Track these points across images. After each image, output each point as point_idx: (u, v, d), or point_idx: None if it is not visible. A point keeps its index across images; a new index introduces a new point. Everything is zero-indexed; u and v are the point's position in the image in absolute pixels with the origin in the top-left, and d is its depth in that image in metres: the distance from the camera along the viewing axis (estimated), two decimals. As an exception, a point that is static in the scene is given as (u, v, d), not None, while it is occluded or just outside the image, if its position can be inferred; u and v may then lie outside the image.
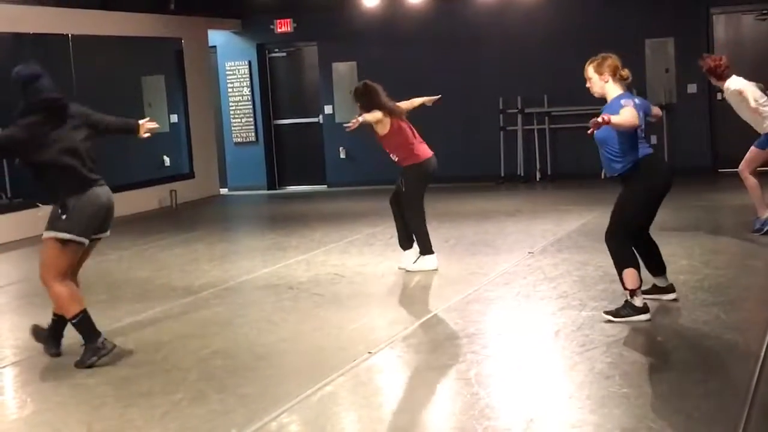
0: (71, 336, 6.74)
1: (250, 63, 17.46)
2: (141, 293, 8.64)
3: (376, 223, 11.55)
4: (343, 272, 8.99)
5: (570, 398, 5.11)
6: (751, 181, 9.52)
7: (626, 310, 6.48)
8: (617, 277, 6.62)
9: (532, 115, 15.93)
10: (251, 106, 17.47)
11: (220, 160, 17.47)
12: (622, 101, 6.43)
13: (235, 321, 7.44)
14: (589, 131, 6.18)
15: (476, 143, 16.14)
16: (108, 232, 6.63)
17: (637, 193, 6.55)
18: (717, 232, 9.88)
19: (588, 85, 6.75)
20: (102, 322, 7.27)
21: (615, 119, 6.21)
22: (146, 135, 7.01)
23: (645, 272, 6.82)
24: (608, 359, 5.70)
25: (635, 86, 15.25)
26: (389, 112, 8.71)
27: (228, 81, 17.58)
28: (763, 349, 5.69)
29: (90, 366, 6.18)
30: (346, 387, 5.58)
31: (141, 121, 7.00)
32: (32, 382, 6.15)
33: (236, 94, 17.53)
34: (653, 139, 15.42)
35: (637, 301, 6.48)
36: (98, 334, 6.30)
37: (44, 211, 12.93)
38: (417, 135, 8.98)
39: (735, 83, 9.47)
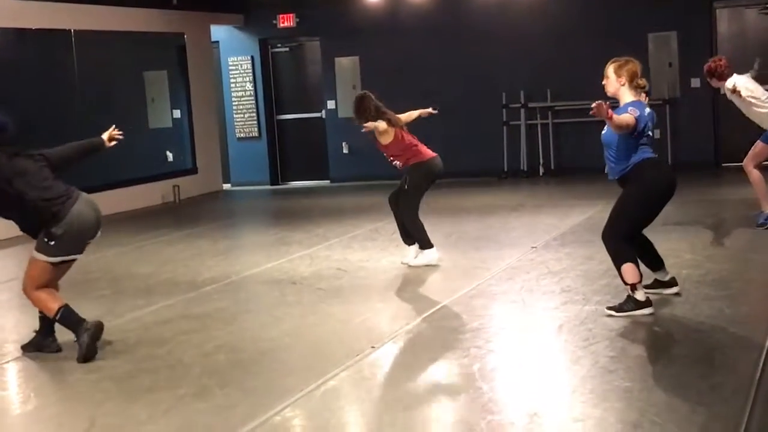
0: (71, 333, 6.76)
1: (252, 58, 17.46)
2: (144, 288, 8.65)
3: (378, 218, 11.55)
4: (346, 267, 8.99)
5: (573, 392, 5.11)
6: (755, 175, 9.52)
7: (629, 304, 6.49)
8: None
9: (536, 110, 15.92)
10: (254, 102, 17.47)
11: (223, 156, 17.48)
12: (630, 108, 6.45)
13: (238, 316, 7.44)
14: (591, 110, 6.14)
15: (479, 138, 16.13)
16: (99, 234, 6.60)
17: (635, 196, 6.56)
18: (720, 226, 9.87)
19: (604, 82, 6.72)
20: (105, 317, 7.29)
21: (615, 117, 6.26)
22: (112, 143, 6.98)
23: (645, 268, 6.83)
24: (611, 353, 5.70)
25: (638, 80, 15.30)
26: (390, 122, 8.67)
27: (231, 76, 17.58)
28: (767, 343, 5.69)
29: (90, 356, 6.19)
30: (349, 381, 5.59)
31: (104, 135, 7.00)
32: (35, 378, 6.16)
33: (239, 89, 17.53)
34: (657, 133, 15.45)
35: (639, 295, 6.48)
36: (82, 321, 6.33)
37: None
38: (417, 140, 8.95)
39: (729, 81, 9.44)
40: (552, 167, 15.86)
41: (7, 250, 11.51)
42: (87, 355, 6.22)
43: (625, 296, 6.56)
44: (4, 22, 12.76)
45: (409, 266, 8.79)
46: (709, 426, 4.52)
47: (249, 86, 17.46)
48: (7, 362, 6.50)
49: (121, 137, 7.04)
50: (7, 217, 6.57)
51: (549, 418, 4.79)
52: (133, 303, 8.01)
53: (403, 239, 8.93)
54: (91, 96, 14.26)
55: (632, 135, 6.44)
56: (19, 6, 12.93)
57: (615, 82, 6.64)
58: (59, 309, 6.35)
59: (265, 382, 5.63)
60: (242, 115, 17.58)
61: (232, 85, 17.58)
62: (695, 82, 15.21)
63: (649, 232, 6.92)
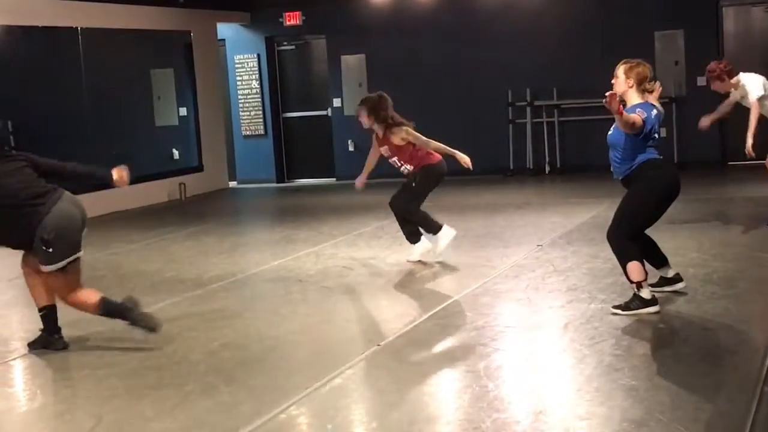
0: (77, 330, 6.79)
1: (258, 56, 17.47)
2: (150, 286, 8.66)
3: (384, 216, 11.52)
4: (352, 265, 9.00)
5: (578, 391, 5.11)
6: None
7: (635, 303, 6.49)
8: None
9: (542, 108, 15.91)
10: (260, 99, 17.48)
11: (229, 153, 17.50)
12: (638, 110, 6.47)
13: (244, 313, 7.45)
14: (605, 99, 6.18)
15: (485, 136, 16.11)
16: (85, 230, 6.59)
17: (639, 196, 6.57)
18: (727, 224, 9.86)
19: (613, 81, 6.75)
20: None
21: (624, 114, 6.29)
22: (119, 185, 6.86)
23: (650, 267, 6.83)
24: (617, 352, 5.70)
25: (645, 79, 15.28)
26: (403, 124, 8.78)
27: (237, 74, 17.59)
28: (773, 342, 5.69)
29: (155, 323, 6.43)
30: (354, 379, 5.59)
31: (114, 173, 6.83)
32: (42, 374, 6.17)
33: (245, 87, 17.54)
34: (663, 132, 15.41)
35: (645, 293, 6.48)
36: (121, 304, 6.46)
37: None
38: None
39: (741, 82, 9.47)
40: (558, 165, 15.85)
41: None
42: (153, 324, 6.41)
43: (630, 295, 6.56)
44: (11, 20, 12.78)
45: (422, 262, 8.82)
46: (714, 424, 4.52)
47: (255, 84, 17.47)
48: (14, 359, 6.52)
49: (126, 183, 6.89)
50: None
51: (554, 416, 4.79)
52: (139, 300, 8.00)
53: (408, 238, 8.92)
54: (97, 93, 14.28)
55: (638, 136, 6.44)
56: (26, 3, 12.95)
57: (624, 83, 6.66)
58: (99, 301, 6.39)
59: (270, 380, 5.63)
60: (248, 113, 17.59)
61: (239, 83, 17.59)
62: (701, 81, 15.13)
63: (655, 231, 6.92)
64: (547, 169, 15.87)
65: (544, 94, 15.82)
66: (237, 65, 17.60)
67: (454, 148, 8.90)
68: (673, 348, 5.80)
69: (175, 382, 5.68)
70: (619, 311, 6.50)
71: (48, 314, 6.53)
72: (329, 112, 17.29)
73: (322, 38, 17.25)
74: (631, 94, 6.65)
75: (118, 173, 6.81)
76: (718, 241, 8.94)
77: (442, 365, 5.90)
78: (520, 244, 9.44)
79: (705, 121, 10.15)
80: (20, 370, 6.39)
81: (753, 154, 9.41)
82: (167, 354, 6.32)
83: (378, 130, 8.92)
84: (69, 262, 6.35)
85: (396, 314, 7.09)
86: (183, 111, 16.39)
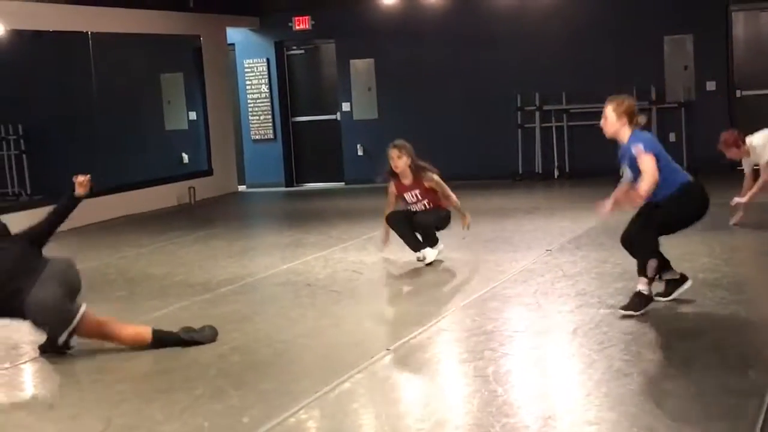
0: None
1: (268, 60, 17.50)
2: (160, 289, 8.68)
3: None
4: (361, 269, 9.01)
5: (588, 396, 5.10)
6: None
7: (642, 302, 6.57)
8: (636, 275, 6.68)
9: (550, 113, 15.91)
10: (269, 104, 17.51)
11: (239, 157, 17.53)
12: (634, 149, 6.55)
13: (253, 317, 7.46)
14: (607, 209, 6.65)
15: (494, 140, 16.13)
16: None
17: (670, 215, 6.71)
18: (737, 229, 9.84)
19: (602, 123, 6.81)
20: (122, 318, 7.32)
21: (643, 190, 6.47)
22: (82, 191, 6.80)
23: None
24: (626, 357, 5.70)
25: (654, 84, 15.28)
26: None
27: (246, 78, 17.63)
28: (782, 348, 5.68)
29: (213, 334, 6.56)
30: (363, 384, 5.60)
31: (75, 187, 6.80)
32: (52, 379, 6.19)
33: (254, 91, 17.58)
34: (672, 137, 15.41)
35: (647, 290, 6.61)
36: (174, 333, 6.55)
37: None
38: None
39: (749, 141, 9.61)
40: (567, 170, 15.84)
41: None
42: (212, 335, 6.55)
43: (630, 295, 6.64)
44: (22, 24, 12.83)
45: (426, 264, 8.91)
46: (723, 430, 4.51)
47: (264, 88, 17.51)
48: (24, 363, 6.53)
49: (89, 182, 6.81)
50: None
51: (563, 421, 4.79)
52: (149, 304, 8.04)
53: (418, 247, 8.99)
54: (107, 98, 14.32)
55: (660, 170, 6.54)
56: (36, 8, 12.99)
57: (616, 122, 6.71)
58: (152, 334, 6.46)
59: (279, 384, 5.64)
60: (257, 117, 17.62)
61: (248, 87, 17.63)
62: (711, 85, 15.19)
63: (667, 236, 6.92)
64: (556, 173, 15.87)
65: (553, 98, 15.82)
66: (246, 69, 17.63)
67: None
68: (683, 353, 5.79)
69: (185, 385, 5.69)
70: (631, 312, 6.52)
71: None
72: (338, 116, 17.32)
73: (332, 43, 17.28)
74: (624, 131, 6.73)
75: (77, 180, 6.79)
76: (729, 246, 8.93)
77: (450, 370, 5.91)
78: (529, 249, 9.44)
79: (740, 200, 10.02)
80: (30, 373, 6.40)
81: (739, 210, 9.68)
82: (177, 358, 6.33)
83: (408, 174, 9.11)
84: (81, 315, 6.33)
85: (405, 318, 7.09)
86: (192, 115, 16.43)
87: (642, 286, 6.62)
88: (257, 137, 17.66)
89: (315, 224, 12.26)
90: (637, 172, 6.61)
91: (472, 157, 16.09)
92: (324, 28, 17.16)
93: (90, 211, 13.49)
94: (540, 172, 15.96)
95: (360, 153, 17.03)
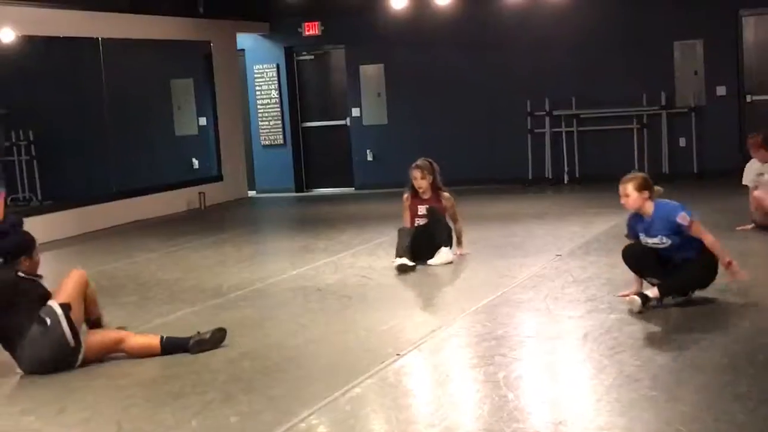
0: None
1: (278, 66, 17.53)
2: (170, 295, 8.69)
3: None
4: (371, 274, 9.01)
5: (598, 401, 5.10)
6: None
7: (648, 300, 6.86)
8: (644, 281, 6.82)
9: (560, 118, 15.90)
10: (279, 109, 17.54)
11: (248, 163, 17.55)
12: (679, 219, 6.91)
13: (263, 323, 7.47)
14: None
15: (504, 146, 16.13)
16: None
17: (699, 269, 7.01)
18: (747, 234, 9.82)
19: (623, 201, 7.12)
20: (132, 323, 7.36)
21: (718, 250, 7.01)
22: None
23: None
24: (637, 362, 5.69)
25: (664, 89, 15.27)
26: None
27: (256, 84, 17.66)
28: (794, 353, 5.67)
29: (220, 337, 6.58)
30: (374, 389, 5.60)
31: None
32: (62, 382, 6.19)
33: (264, 96, 17.60)
34: (682, 142, 15.40)
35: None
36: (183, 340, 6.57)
37: (68, 214, 12.90)
38: None
39: None
40: (577, 175, 15.83)
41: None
42: (221, 337, 6.59)
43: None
44: (33, 30, 12.87)
45: (432, 265, 9.08)
46: (735, 436, 4.51)
47: (274, 94, 17.53)
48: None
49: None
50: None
51: (574, 426, 4.78)
52: (159, 309, 8.06)
53: (402, 255, 9.08)
54: (118, 103, 14.36)
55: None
56: (47, 14, 13.04)
57: (638, 198, 7.04)
58: (161, 346, 6.49)
59: (290, 389, 5.65)
60: (267, 123, 17.64)
61: (258, 93, 17.66)
62: (721, 90, 15.16)
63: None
64: (566, 178, 15.85)
65: (563, 103, 15.81)
66: (256, 75, 17.66)
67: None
68: (693, 358, 5.78)
69: (195, 390, 5.70)
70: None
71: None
72: (348, 121, 17.33)
73: (341, 48, 17.30)
74: (648, 204, 7.04)
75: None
76: (738, 251, 8.87)
77: (461, 375, 5.91)
78: (538, 254, 9.43)
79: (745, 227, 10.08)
80: (40, 378, 6.41)
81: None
82: (187, 363, 6.34)
83: (428, 192, 9.47)
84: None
85: (415, 324, 7.09)
86: (203, 121, 16.47)
87: (653, 294, 6.81)
88: (267, 143, 17.68)
89: (325, 229, 12.27)
90: (679, 238, 6.93)
91: (482, 162, 16.09)
92: (334, 33, 17.19)
93: (101, 216, 13.59)
94: (550, 177, 15.95)
95: (370, 158, 17.05)
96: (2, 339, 6.38)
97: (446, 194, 9.50)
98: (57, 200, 13.25)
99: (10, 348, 6.33)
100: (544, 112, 15.90)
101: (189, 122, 16.32)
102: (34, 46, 13.07)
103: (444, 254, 9.19)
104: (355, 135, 17.23)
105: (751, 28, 15.24)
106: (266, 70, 17.59)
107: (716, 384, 5.25)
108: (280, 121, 17.55)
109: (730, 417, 4.72)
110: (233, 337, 6.93)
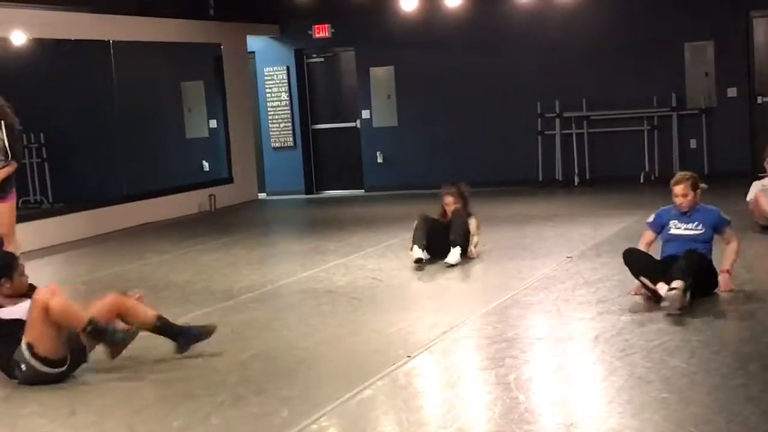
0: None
1: (288, 68, 17.54)
2: (181, 296, 8.71)
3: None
4: (381, 276, 9.02)
5: (610, 403, 5.09)
6: None
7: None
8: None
9: (571, 119, 15.87)
10: (289, 111, 17.55)
11: (259, 165, 17.57)
12: (722, 221, 7.45)
13: (273, 324, 7.48)
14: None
15: (514, 148, 16.11)
16: None
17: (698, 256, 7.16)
18: (759, 237, 9.80)
19: (681, 201, 7.43)
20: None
21: (728, 260, 7.44)
22: None
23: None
24: (648, 364, 5.68)
25: (675, 91, 15.24)
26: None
27: (266, 86, 17.67)
28: (806, 355, 5.65)
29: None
30: (384, 390, 5.60)
31: None
32: (74, 385, 6.20)
33: (274, 99, 17.62)
34: (692, 143, 15.37)
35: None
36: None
37: (79, 216, 12.93)
38: None
39: None
40: (587, 177, 15.80)
41: (47, 258, 11.64)
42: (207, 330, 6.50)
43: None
44: (44, 33, 12.91)
45: (449, 265, 9.18)
46: (747, 438, 4.50)
47: (284, 96, 17.55)
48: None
49: None
50: None
51: (585, 428, 4.77)
52: (170, 311, 8.01)
53: (420, 245, 9.30)
54: (129, 106, 14.39)
55: None
56: (58, 17, 13.07)
57: (695, 196, 7.43)
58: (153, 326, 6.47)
59: (300, 391, 5.65)
60: (278, 125, 17.66)
61: (268, 95, 17.67)
62: (732, 92, 15.12)
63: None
64: (576, 180, 15.83)
65: (573, 105, 15.79)
66: (266, 77, 17.67)
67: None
68: (705, 360, 5.77)
69: (206, 392, 5.71)
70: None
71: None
72: (358, 123, 17.33)
73: (351, 50, 17.31)
74: (698, 195, 7.47)
75: None
76: (750, 254, 8.87)
77: (472, 377, 5.90)
78: (549, 256, 9.42)
79: None
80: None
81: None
82: (198, 365, 6.35)
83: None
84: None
85: (425, 326, 7.09)
86: (213, 123, 16.50)
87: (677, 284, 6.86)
88: (277, 145, 17.70)
89: (335, 231, 12.27)
90: (712, 232, 7.37)
91: (493, 164, 16.08)
92: (344, 35, 17.19)
93: (112, 218, 13.62)
94: (560, 179, 15.93)
95: (380, 160, 17.05)
96: None
97: (474, 220, 9.69)
98: (68, 202, 13.27)
99: (9, 375, 6.27)
100: (555, 114, 15.88)
101: (199, 125, 16.35)
102: (44, 48, 13.11)
103: (457, 254, 9.25)
104: (365, 137, 17.23)
105: (761, 30, 15.20)
106: (276, 73, 17.60)
107: (728, 386, 5.24)
108: (290, 123, 17.56)
109: (742, 419, 4.71)
110: (244, 339, 6.95)
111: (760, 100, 15.15)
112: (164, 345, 6.77)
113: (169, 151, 15.80)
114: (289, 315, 7.90)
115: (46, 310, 6.02)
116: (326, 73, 17.79)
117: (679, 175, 7.53)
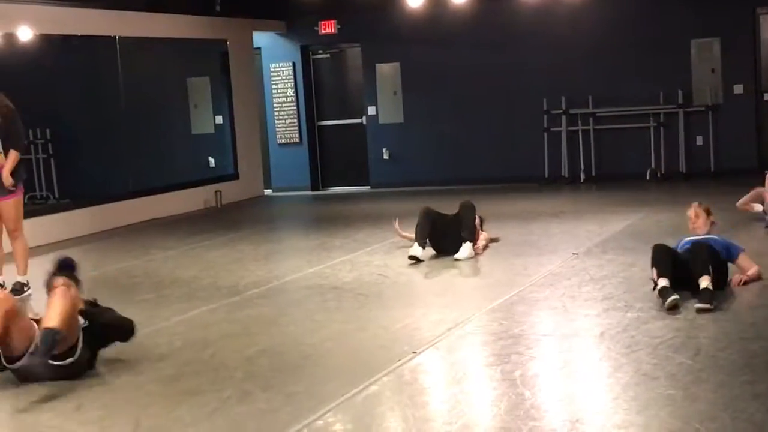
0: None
1: (294, 64, 17.54)
2: (187, 292, 8.72)
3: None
4: (387, 273, 9.02)
5: (615, 399, 5.10)
6: None
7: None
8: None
9: (577, 116, 15.86)
10: (295, 107, 17.55)
11: (265, 161, 17.58)
12: (734, 247, 7.57)
13: (280, 320, 7.49)
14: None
15: (520, 144, 16.11)
16: None
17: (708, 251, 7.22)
18: (765, 234, 9.79)
19: (695, 225, 7.64)
20: (149, 320, 7.40)
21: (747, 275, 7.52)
22: None
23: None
24: (654, 361, 5.68)
25: (681, 87, 15.22)
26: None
27: (272, 82, 17.68)
28: (812, 352, 5.65)
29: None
30: (390, 387, 5.61)
31: None
32: (80, 381, 6.22)
33: (280, 95, 17.63)
34: (699, 140, 15.35)
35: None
36: None
37: (85, 212, 12.99)
38: None
39: None
40: (593, 174, 15.79)
41: (53, 254, 11.64)
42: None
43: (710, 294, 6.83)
44: (51, 29, 12.93)
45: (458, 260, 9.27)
46: (753, 434, 4.50)
47: (290, 92, 17.55)
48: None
49: None
50: None
51: (591, 425, 4.78)
52: (176, 307, 8.08)
53: (421, 244, 9.38)
54: (135, 102, 14.41)
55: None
56: (65, 13, 13.09)
57: (707, 221, 7.66)
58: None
59: (306, 387, 5.66)
60: (283, 121, 17.66)
61: (274, 91, 17.68)
62: (738, 89, 15.10)
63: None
64: (582, 177, 15.82)
65: (579, 102, 15.78)
66: (272, 73, 17.68)
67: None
68: (711, 357, 5.77)
69: (212, 388, 5.72)
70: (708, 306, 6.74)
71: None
72: (364, 120, 17.33)
73: (357, 47, 17.31)
74: (713, 227, 7.70)
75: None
76: (757, 251, 8.85)
77: (477, 373, 5.91)
78: (555, 253, 9.42)
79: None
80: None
81: None
82: (204, 360, 6.37)
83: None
84: None
85: (431, 322, 7.10)
86: (219, 119, 16.51)
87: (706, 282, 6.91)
88: (283, 141, 17.70)
89: (341, 228, 12.28)
90: (720, 247, 7.37)
91: (499, 160, 16.08)
92: (350, 32, 17.19)
93: (118, 214, 13.64)
94: (566, 175, 15.92)
95: (386, 157, 17.05)
96: None
97: (484, 233, 9.83)
98: (74, 198, 13.29)
99: None
100: (561, 111, 15.87)
101: (205, 120, 16.37)
102: (51, 44, 13.12)
103: (467, 249, 9.32)
104: (371, 133, 17.23)
105: (768, 26, 15.18)
106: (282, 69, 17.61)
107: (734, 383, 5.24)
108: (296, 120, 17.57)
109: (748, 416, 4.71)
110: (250, 335, 6.97)
111: (766, 96, 15.12)
112: (170, 341, 6.80)
113: (175, 147, 15.81)
114: (296, 311, 7.91)
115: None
116: (332, 69, 17.79)
117: (696, 203, 7.74)
